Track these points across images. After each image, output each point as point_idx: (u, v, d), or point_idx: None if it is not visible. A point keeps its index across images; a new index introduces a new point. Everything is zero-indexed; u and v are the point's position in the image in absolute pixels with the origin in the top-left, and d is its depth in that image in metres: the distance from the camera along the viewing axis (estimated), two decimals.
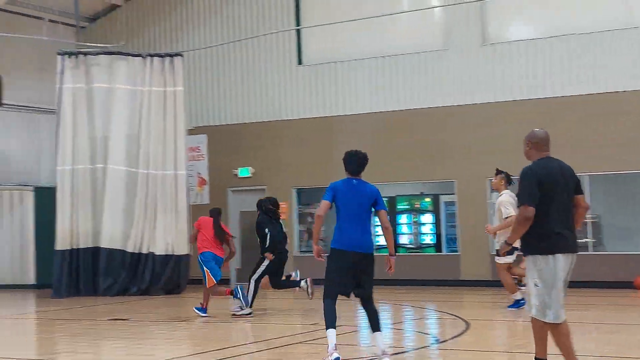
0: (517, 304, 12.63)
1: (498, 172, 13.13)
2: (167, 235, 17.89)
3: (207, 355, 9.42)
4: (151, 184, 17.98)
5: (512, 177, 13.04)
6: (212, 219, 13.25)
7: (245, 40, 19.82)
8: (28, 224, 19.85)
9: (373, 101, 18.82)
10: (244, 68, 20.18)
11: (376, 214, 8.39)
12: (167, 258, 17.84)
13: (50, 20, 18.53)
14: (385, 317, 13.76)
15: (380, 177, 18.63)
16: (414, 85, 18.46)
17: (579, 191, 6.95)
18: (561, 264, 6.67)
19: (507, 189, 12.94)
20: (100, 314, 13.79)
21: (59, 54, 17.91)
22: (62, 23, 19.04)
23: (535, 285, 6.68)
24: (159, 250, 17.84)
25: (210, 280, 12.81)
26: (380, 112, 18.69)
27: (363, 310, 8.44)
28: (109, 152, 17.97)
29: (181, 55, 18.61)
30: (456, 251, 17.96)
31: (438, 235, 18.60)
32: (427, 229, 18.64)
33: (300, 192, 19.74)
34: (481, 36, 17.89)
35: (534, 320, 6.80)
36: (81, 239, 17.68)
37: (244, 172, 19.91)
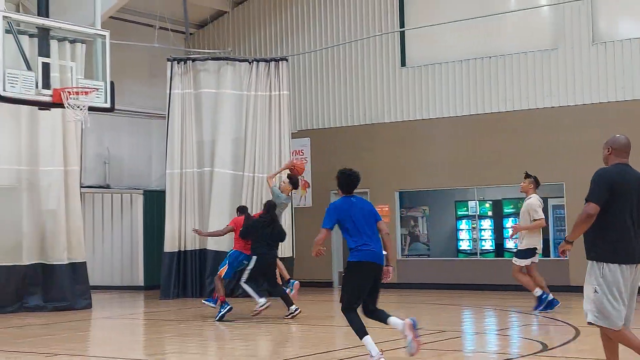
0: (541, 301, 13.19)
1: (527, 175, 13.53)
2: None
3: (314, 357, 9.46)
4: (256, 186, 18.21)
5: (540, 182, 13.52)
6: (243, 217, 14.04)
7: (348, 43, 19.90)
8: (138, 227, 20.41)
9: (479, 102, 18.58)
10: (348, 71, 20.23)
11: (379, 224, 8.78)
12: None
13: (161, 28, 19.02)
14: (491, 322, 13.56)
15: (485, 180, 18.42)
16: (522, 86, 18.14)
17: None
18: (625, 273, 6.56)
19: (535, 193, 13.34)
20: (207, 315, 14.03)
21: (168, 60, 18.38)
22: (172, 30, 19.51)
23: (595, 291, 6.58)
24: None
25: (222, 272, 13.62)
26: (486, 113, 18.44)
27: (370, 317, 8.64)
28: (216, 156, 18.30)
29: (286, 59, 18.82)
30: (565, 256, 17.51)
31: (546, 240, 18.18)
32: None
33: (402, 194, 19.65)
34: (591, 34, 17.43)
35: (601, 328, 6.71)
36: (188, 241, 18.05)
37: None
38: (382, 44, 19.77)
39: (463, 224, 18.99)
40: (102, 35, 12.45)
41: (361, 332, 8.41)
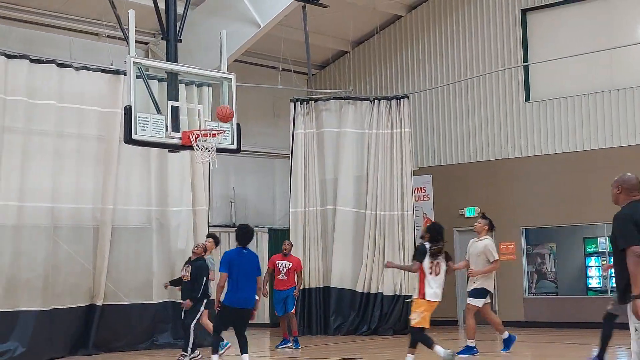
0: (470, 350, 12.79)
1: (484, 217, 13.39)
2: (396, 276, 18.03)
3: None
4: (379, 224, 18.21)
5: (494, 225, 13.40)
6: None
7: (470, 79, 19.77)
8: (263, 264, 20.49)
9: (607, 136, 18.07)
10: (470, 107, 20.06)
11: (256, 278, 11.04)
12: (395, 298, 17.97)
13: (284, 69, 19.43)
14: None
15: None
16: None
17: None
18: None
19: (488, 235, 13.10)
20: (332, 352, 14.06)
21: (291, 101, 18.72)
22: (294, 71, 19.89)
23: (636, 330, 6.53)
24: (388, 290, 18.00)
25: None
26: (615, 147, 17.90)
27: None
28: (338, 194, 18.42)
29: (407, 97, 18.84)
30: None
31: None
32: None
33: (528, 231, 19.23)
34: None
35: None
36: (312, 279, 18.19)
37: (470, 212, 19.70)
38: (506, 78, 19.54)
39: (592, 261, 18.41)
40: (228, 78, 12.79)
41: (215, 350, 11.10)
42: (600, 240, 18.27)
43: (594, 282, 18.38)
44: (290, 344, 14.93)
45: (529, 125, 19.17)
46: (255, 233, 12.38)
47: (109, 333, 14.90)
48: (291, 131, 18.60)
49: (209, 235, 14.30)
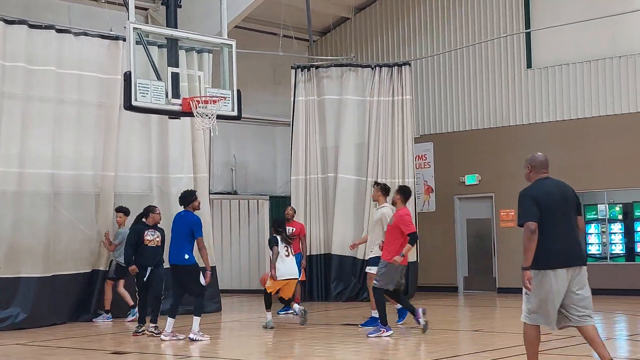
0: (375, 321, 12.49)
1: (376, 184, 13.31)
2: None
3: None
4: None
5: (389, 189, 12.92)
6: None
7: (472, 45, 19.68)
8: (264, 232, 20.75)
9: (608, 103, 18.03)
10: (472, 74, 20.00)
11: (196, 240, 11.73)
12: None
13: (284, 36, 19.33)
14: (622, 328, 13.12)
15: (615, 183, 17.82)
16: None
17: (578, 212, 7.29)
18: (559, 278, 7.07)
19: (386, 202, 12.80)
20: (333, 318, 14.14)
21: (292, 68, 18.65)
22: (295, 38, 19.78)
23: (526, 294, 7.15)
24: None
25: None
26: (616, 115, 17.87)
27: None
28: (339, 162, 18.42)
29: (409, 64, 18.76)
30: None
31: None
32: None
33: None
34: None
35: (524, 325, 7.24)
36: (313, 246, 18.24)
37: (470, 179, 19.72)
38: (507, 45, 19.46)
39: (592, 228, 18.44)
40: (229, 44, 12.73)
41: (172, 315, 11.68)
42: (600, 207, 18.26)
43: (593, 249, 18.41)
44: (292, 311, 14.97)
45: (531, 92, 19.11)
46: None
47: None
48: (292, 98, 18.56)
49: (119, 210, 14.43)
